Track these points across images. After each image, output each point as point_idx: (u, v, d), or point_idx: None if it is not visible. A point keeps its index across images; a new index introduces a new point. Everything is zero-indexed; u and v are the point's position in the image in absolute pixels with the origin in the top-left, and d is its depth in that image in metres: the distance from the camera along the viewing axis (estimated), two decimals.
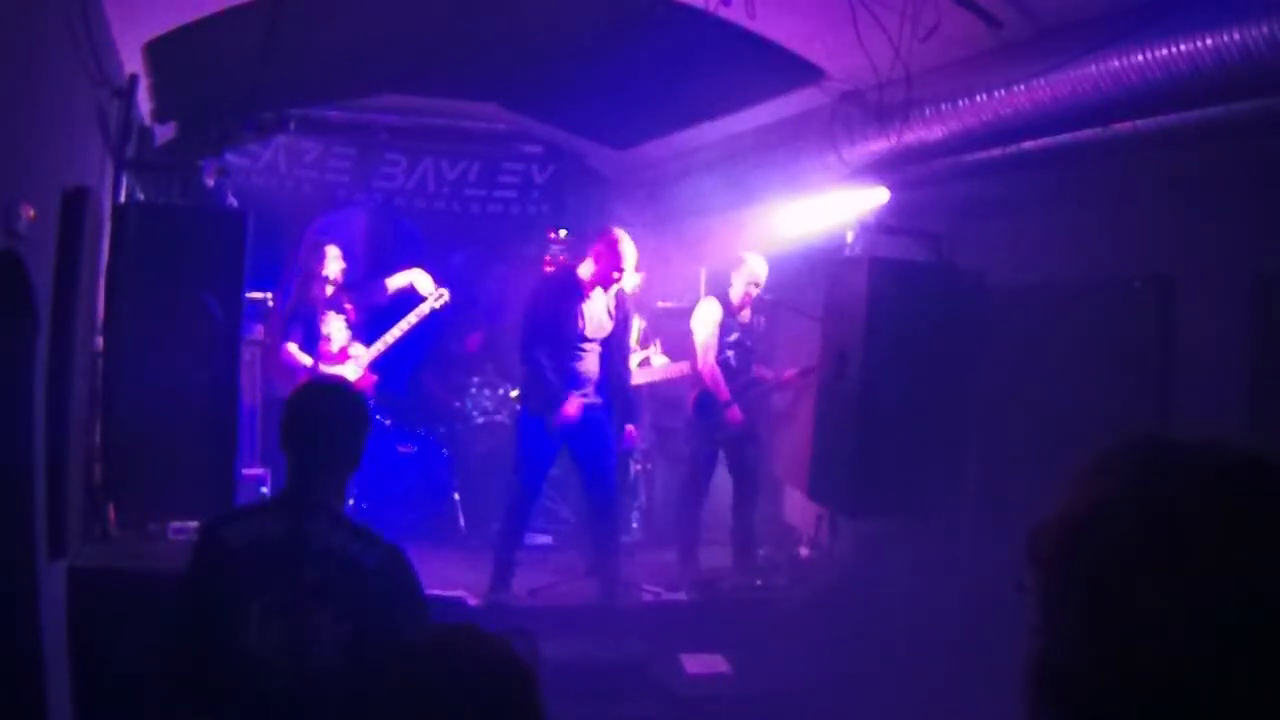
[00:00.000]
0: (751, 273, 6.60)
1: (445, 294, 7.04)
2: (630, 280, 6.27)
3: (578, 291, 5.99)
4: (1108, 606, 0.91)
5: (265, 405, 6.80)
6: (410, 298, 7.07)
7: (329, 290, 6.88)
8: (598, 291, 6.00)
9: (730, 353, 6.65)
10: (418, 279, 7.03)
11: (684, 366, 7.14)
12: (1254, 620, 0.86)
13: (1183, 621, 0.87)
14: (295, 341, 6.75)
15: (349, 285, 6.99)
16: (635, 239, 8.19)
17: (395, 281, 7.02)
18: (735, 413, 6.50)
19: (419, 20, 5.89)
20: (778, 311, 7.07)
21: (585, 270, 6.02)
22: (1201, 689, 0.87)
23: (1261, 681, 0.86)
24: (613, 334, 6.08)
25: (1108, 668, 0.91)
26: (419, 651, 1.39)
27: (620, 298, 6.14)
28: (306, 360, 6.69)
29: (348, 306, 6.92)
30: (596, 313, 6.02)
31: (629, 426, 6.27)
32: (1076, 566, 0.95)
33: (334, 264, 6.89)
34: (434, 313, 7.11)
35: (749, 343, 6.73)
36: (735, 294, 6.65)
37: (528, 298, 6.18)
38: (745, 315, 6.69)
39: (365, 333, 6.95)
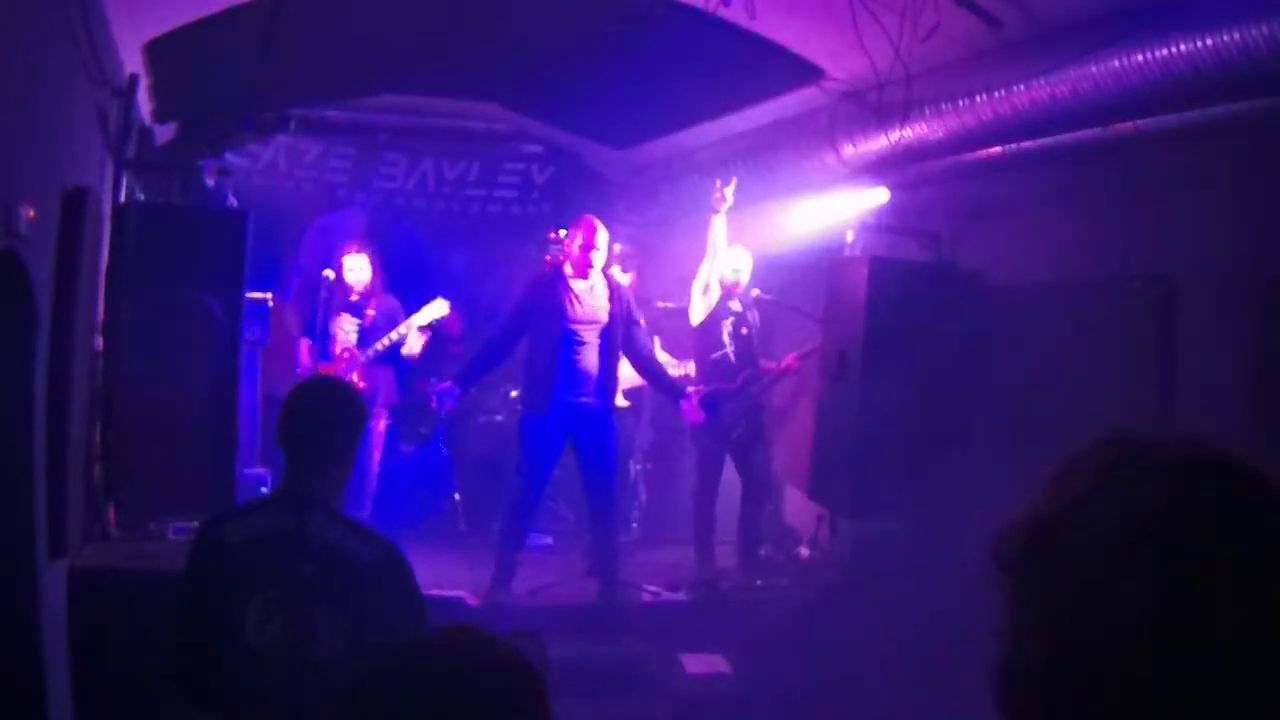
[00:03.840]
0: (732, 260, 6.57)
1: (445, 306, 6.99)
2: (616, 273, 6.28)
3: (563, 284, 6.00)
4: (1071, 612, 0.90)
5: (265, 405, 6.81)
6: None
7: (353, 296, 6.85)
8: (581, 280, 6.00)
9: (730, 348, 6.63)
10: (437, 309, 6.92)
11: (689, 368, 7.14)
12: (1222, 628, 0.85)
13: (1147, 628, 0.86)
14: (309, 337, 6.78)
15: (372, 294, 6.89)
16: (635, 239, 8.13)
17: (420, 319, 6.88)
18: (686, 407, 6.34)
19: (419, 20, 5.89)
20: (776, 311, 7.07)
21: (566, 265, 6.05)
22: (1164, 698, 0.85)
23: (1228, 690, 0.84)
24: (614, 324, 6.04)
25: (1070, 673, 0.89)
26: (421, 652, 1.38)
27: (615, 287, 6.13)
28: (306, 362, 6.73)
29: (369, 313, 6.89)
30: (584, 296, 6.00)
31: (685, 403, 6.18)
32: (1041, 570, 0.93)
33: (354, 274, 6.83)
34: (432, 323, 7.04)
35: (745, 331, 6.69)
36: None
37: (515, 298, 6.18)
38: (736, 305, 6.66)
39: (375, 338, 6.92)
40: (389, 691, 1.32)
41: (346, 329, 6.84)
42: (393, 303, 6.99)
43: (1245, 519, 0.89)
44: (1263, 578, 0.86)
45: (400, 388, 7.22)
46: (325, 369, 6.66)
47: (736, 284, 6.61)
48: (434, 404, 6.11)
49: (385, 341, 6.77)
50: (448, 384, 6.05)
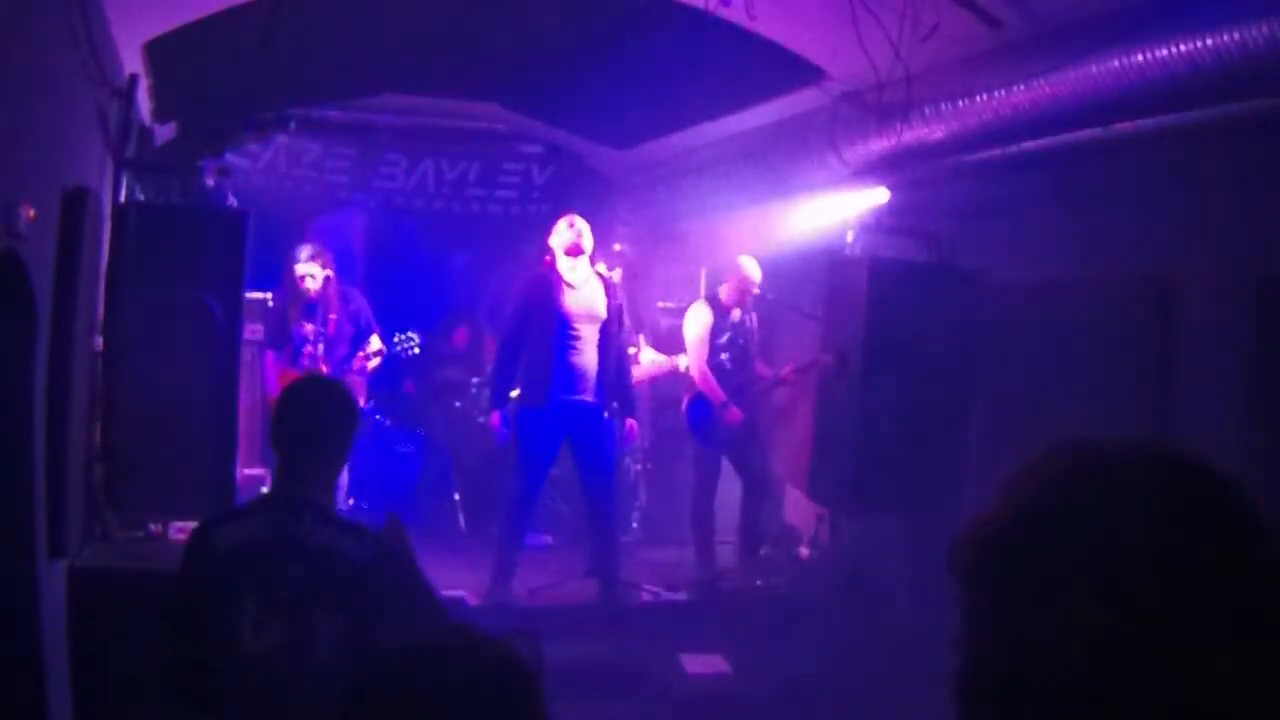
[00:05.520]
0: (745, 277, 6.62)
1: (415, 340, 6.95)
2: (603, 269, 6.31)
3: (555, 277, 5.99)
4: (1025, 620, 0.88)
5: (265, 405, 6.80)
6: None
7: (307, 297, 6.67)
8: (575, 273, 5.99)
9: (724, 355, 6.65)
10: (373, 345, 6.80)
11: (674, 362, 7.15)
12: (1178, 638, 0.83)
13: (1102, 637, 0.84)
14: (275, 349, 6.73)
15: (329, 299, 6.76)
16: (635, 239, 8.11)
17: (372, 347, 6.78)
18: (734, 413, 6.49)
19: (419, 20, 5.89)
20: (776, 311, 7.07)
21: (558, 259, 6.03)
22: (1119, 711, 0.84)
23: (1187, 700, 0.83)
24: (612, 321, 6.04)
25: (1024, 685, 0.88)
26: (417, 654, 1.38)
27: (610, 285, 6.13)
28: (272, 378, 6.68)
29: (331, 317, 6.72)
30: (580, 287, 5.99)
31: (630, 421, 6.24)
32: (995, 577, 0.91)
33: (305, 275, 6.63)
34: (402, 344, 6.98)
35: (742, 341, 6.72)
36: (725, 295, 6.68)
37: (513, 302, 6.17)
38: (736, 315, 6.70)
39: (349, 345, 6.86)
40: (386, 694, 1.31)
41: (311, 337, 6.76)
42: (358, 304, 6.86)
43: (1201, 525, 0.87)
44: (1219, 585, 0.85)
45: (370, 392, 7.13)
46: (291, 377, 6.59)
47: (747, 295, 6.67)
48: (498, 440, 6.14)
49: (368, 361, 6.74)
50: (495, 415, 6.06)
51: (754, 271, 6.64)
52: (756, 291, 6.67)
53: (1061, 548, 0.88)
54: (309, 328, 6.71)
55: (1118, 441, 0.93)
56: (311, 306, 6.70)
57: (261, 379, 6.86)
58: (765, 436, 6.98)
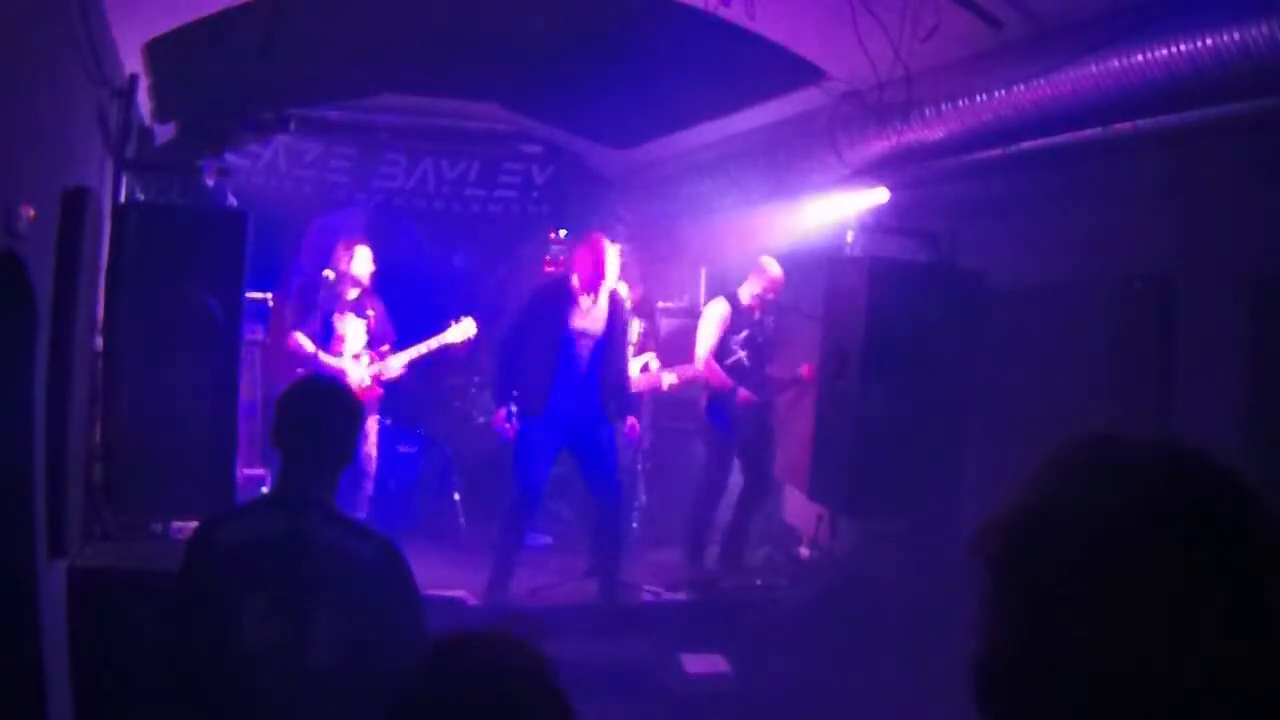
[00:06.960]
0: (774, 277, 6.67)
1: (473, 329, 7.02)
2: (623, 290, 6.33)
3: (568, 295, 6.01)
4: (1045, 609, 0.89)
5: (265, 405, 6.80)
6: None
7: (353, 292, 6.83)
8: (589, 296, 6.03)
9: (743, 353, 6.69)
10: (466, 329, 6.96)
11: (689, 370, 7.17)
12: (1191, 629, 0.84)
13: (1117, 629, 0.86)
14: (306, 332, 6.73)
15: (369, 292, 6.91)
16: (635, 239, 8.13)
17: (448, 338, 6.92)
18: (743, 394, 6.54)
19: (419, 20, 5.89)
20: (776, 311, 7.08)
21: (574, 278, 6.05)
22: (1135, 699, 0.85)
23: (1201, 694, 0.84)
24: (607, 332, 6.07)
25: (1042, 673, 0.89)
26: (461, 666, 1.40)
27: (614, 297, 6.15)
28: (309, 347, 6.65)
29: (370, 313, 6.87)
30: (588, 310, 6.04)
31: (630, 419, 6.25)
32: (1017, 566, 0.93)
33: (363, 265, 6.82)
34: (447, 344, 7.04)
35: (760, 340, 6.77)
36: (746, 294, 6.71)
37: (521, 303, 6.20)
38: (755, 314, 6.76)
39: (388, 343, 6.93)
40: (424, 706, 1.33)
41: (353, 329, 6.82)
42: (380, 304, 6.99)
43: (1215, 521, 0.88)
44: (1233, 579, 0.86)
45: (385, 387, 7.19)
46: (331, 363, 6.62)
47: (768, 298, 6.71)
48: (503, 438, 6.12)
49: (408, 356, 6.81)
50: (499, 413, 6.07)
51: (778, 272, 6.69)
52: (775, 295, 6.73)
53: (1078, 542, 0.90)
54: (359, 323, 6.77)
55: (1136, 440, 0.95)
56: (351, 300, 6.76)
57: (288, 367, 6.85)
58: (776, 440, 7.00)
